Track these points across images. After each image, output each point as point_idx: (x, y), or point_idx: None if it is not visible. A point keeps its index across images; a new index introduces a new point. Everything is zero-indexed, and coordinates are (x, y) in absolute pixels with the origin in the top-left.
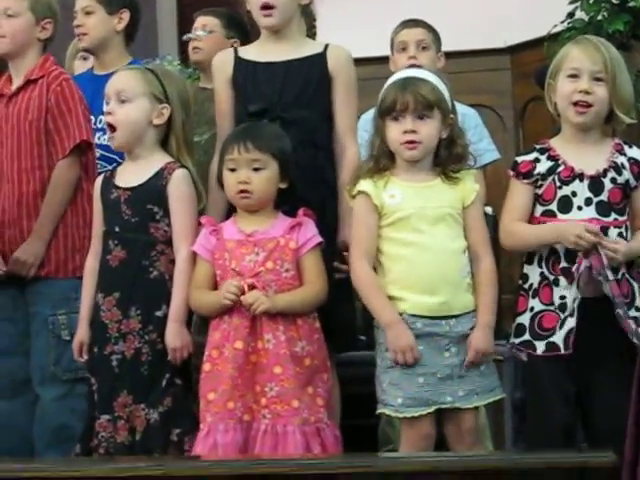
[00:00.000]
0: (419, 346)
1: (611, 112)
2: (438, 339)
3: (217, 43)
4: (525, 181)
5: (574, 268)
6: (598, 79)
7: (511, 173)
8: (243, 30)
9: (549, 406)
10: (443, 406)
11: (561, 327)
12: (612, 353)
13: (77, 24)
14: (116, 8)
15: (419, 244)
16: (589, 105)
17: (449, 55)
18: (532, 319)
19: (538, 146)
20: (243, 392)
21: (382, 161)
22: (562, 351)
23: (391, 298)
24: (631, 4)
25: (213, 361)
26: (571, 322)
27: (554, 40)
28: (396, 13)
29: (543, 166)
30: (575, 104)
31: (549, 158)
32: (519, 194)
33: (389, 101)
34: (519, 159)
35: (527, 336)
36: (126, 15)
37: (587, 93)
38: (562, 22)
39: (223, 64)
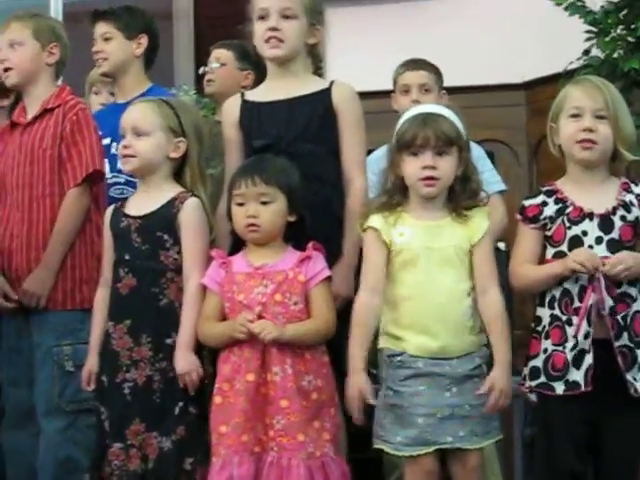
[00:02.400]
0: (420, 386)
1: (615, 150)
2: (439, 379)
3: (230, 75)
4: (532, 225)
5: (583, 301)
6: (600, 117)
7: (519, 217)
8: (256, 62)
9: (558, 452)
10: (443, 446)
11: (578, 366)
12: (625, 395)
13: (96, 50)
14: (135, 33)
15: (422, 286)
16: (594, 142)
17: (465, 90)
18: (546, 361)
19: (544, 189)
20: (254, 424)
21: (395, 197)
22: (582, 388)
23: (392, 336)
24: None
25: (224, 394)
26: (589, 359)
27: (570, 77)
28: (410, 47)
29: (551, 209)
30: (579, 142)
31: (557, 201)
32: (527, 239)
33: (409, 136)
34: (526, 203)
35: (543, 378)
36: (144, 40)
37: (591, 131)
38: (578, 59)
39: (230, 108)
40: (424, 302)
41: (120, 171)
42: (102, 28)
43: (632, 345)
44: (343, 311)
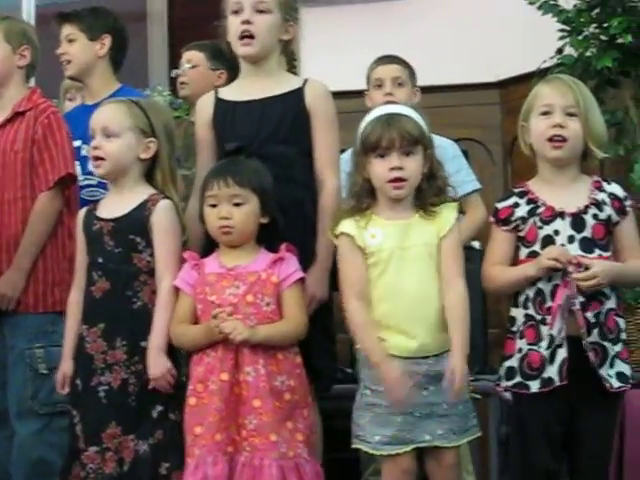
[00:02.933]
0: None
1: (586, 149)
2: (417, 378)
3: (202, 77)
4: (504, 228)
5: (556, 297)
6: (571, 114)
7: (492, 219)
8: (229, 61)
9: (532, 451)
10: (421, 445)
11: (552, 361)
12: (596, 392)
13: (60, 52)
14: (97, 34)
15: (397, 286)
16: (564, 139)
17: (439, 89)
18: (521, 360)
19: (516, 190)
20: (228, 424)
21: (364, 200)
22: (557, 383)
23: None
24: (620, 41)
25: (198, 395)
26: (562, 353)
27: (543, 76)
28: (384, 46)
29: (522, 210)
30: (550, 140)
31: (528, 201)
32: (499, 241)
33: (374, 138)
34: (499, 205)
35: (518, 378)
36: (108, 40)
37: (561, 127)
38: (551, 58)
39: (204, 106)
40: (399, 302)
41: (91, 173)
42: (66, 30)
43: (604, 342)
44: (316, 313)
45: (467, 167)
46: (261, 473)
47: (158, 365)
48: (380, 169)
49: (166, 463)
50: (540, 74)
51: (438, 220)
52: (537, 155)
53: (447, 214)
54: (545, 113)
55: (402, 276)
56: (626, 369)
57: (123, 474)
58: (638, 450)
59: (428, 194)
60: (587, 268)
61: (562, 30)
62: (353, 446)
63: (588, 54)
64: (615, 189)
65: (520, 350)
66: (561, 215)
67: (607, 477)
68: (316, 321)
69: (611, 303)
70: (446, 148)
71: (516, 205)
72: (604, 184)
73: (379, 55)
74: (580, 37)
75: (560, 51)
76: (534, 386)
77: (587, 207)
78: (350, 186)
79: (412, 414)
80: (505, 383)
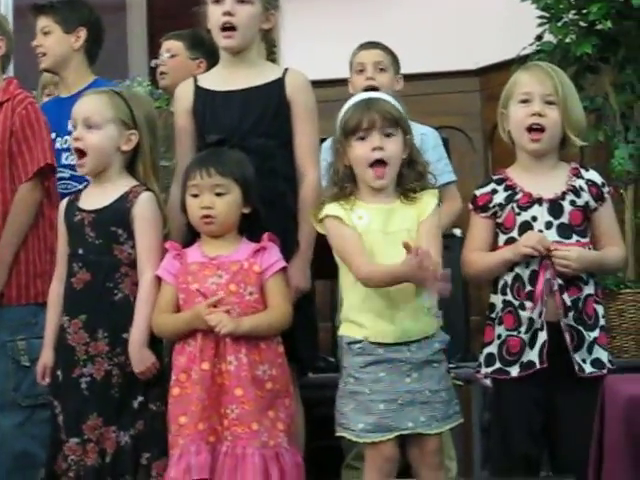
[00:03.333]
0: (380, 372)
1: (564, 136)
2: (399, 365)
3: (182, 66)
4: (483, 214)
5: (537, 283)
6: (550, 102)
7: (470, 207)
8: (208, 49)
9: (512, 438)
10: (404, 432)
11: (532, 345)
12: (575, 377)
13: (36, 44)
14: (72, 27)
15: None
16: (542, 129)
17: (418, 76)
18: (500, 346)
19: (495, 177)
20: (210, 413)
21: (346, 186)
22: (538, 366)
23: (352, 323)
24: (599, 27)
25: (181, 385)
26: (543, 336)
27: (523, 62)
28: (364, 34)
29: (500, 196)
30: (529, 130)
31: (506, 188)
32: (478, 227)
33: (354, 121)
34: (477, 192)
35: (498, 364)
36: (83, 33)
37: (540, 116)
38: (531, 45)
39: (183, 94)
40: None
41: (65, 166)
42: (42, 22)
43: (579, 327)
44: (298, 301)
45: (446, 157)
46: (244, 462)
47: (142, 360)
48: (361, 151)
49: (147, 453)
50: (520, 61)
51: (419, 205)
52: (516, 143)
53: (428, 199)
54: (524, 101)
55: (384, 260)
56: (604, 356)
57: (105, 465)
58: (618, 435)
59: (409, 179)
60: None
61: (541, 17)
62: (337, 434)
63: (567, 41)
64: (593, 176)
65: (499, 336)
66: (539, 201)
67: (587, 462)
68: (298, 310)
69: (589, 289)
70: (428, 136)
71: (494, 192)
72: (582, 171)
73: (359, 43)
74: (559, 24)
75: (539, 38)
76: (514, 371)
77: (565, 193)
78: (331, 174)
79: (395, 401)
80: (485, 370)
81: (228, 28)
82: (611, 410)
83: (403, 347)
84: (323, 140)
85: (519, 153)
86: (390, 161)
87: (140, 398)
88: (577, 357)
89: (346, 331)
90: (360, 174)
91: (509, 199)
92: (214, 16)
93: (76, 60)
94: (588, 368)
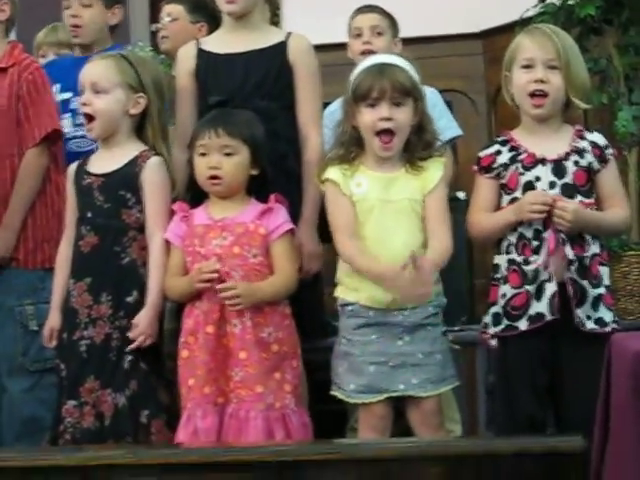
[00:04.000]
0: (372, 335)
1: (568, 100)
2: (391, 328)
3: (182, 30)
4: (487, 175)
5: (549, 242)
6: (552, 67)
7: (475, 168)
8: (209, 13)
9: (517, 399)
10: (394, 394)
11: (539, 297)
12: (580, 335)
13: (73, 14)
14: (111, 2)
15: (378, 238)
16: (545, 95)
17: (421, 40)
18: (506, 305)
19: (500, 138)
20: (216, 376)
21: (351, 149)
22: (548, 317)
23: (347, 286)
24: None
25: (190, 347)
26: (551, 287)
27: (526, 25)
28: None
29: (505, 157)
30: (532, 95)
31: (510, 149)
32: (483, 189)
33: (365, 87)
34: (481, 154)
35: (505, 321)
36: (119, 11)
37: (542, 82)
38: (534, 7)
39: (185, 56)
40: (378, 254)
41: (80, 125)
42: None
43: (585, 283)
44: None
45: (449, 113)
46: (247, 425)
47: (147, 325)
48: (369, 119)
49: (145, 411)
50: (523, 23)
51: (424, 175)
52: (519, 107)
53: (434, 170)
54: (527, 66)
55: (383, 228)
56: (608, 315)
57: (105, 429)
58: (624, 393)
59: (417, 147)
60: None
61: None
62: (331, 392)
63: (571, 2)
64: (596, 137)
65: (504, 295)
66: (542, 162)
67: (593, 420)
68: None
69: (595, 249)
70: (427, 95)
71: (498, 153)
72: (586, 133)
73: (359, 6)
74: None
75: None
76: (522, 325)
77: (568, 154)
78: (338, 135)
79: (386, 364)
80: (493, 329)
81: None
82: (618, 366)
83: (395, 311)
84: (326, 105)
85: (523, 116)
86: (398, 131)
87: (130, 357)
88: (580, 312)
89: (340, 293)
90: (367, 140)
91: (513, 159)
92: None
93: (105, 34)
94: (590, 324)
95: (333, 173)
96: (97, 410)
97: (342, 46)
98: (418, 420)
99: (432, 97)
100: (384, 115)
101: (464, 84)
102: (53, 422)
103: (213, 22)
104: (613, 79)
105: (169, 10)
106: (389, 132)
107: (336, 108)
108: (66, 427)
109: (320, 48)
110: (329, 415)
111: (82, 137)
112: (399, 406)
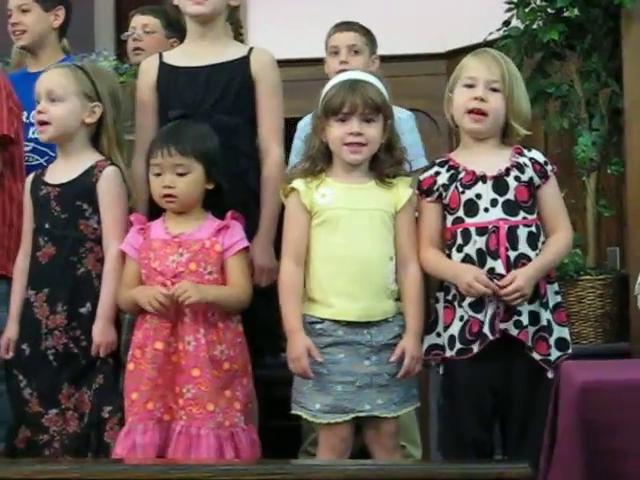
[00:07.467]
0: (339, 354)
1: (508, 125)
2: (359, 347)
3: (159, 44)
4: (429, 199)
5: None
6: (494, 89)
7: (417, 192)
8: (182, 29)
9: (461, 420)
10: (361, 414)
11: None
12: (528, 363)
13: (14, 22)
14: (51, 5)
15: (346, 247)
16: (484, 114)
17: (386, 59)
18: (463, 328)
19: (438, 160)
20: (163, 392)
21: (319, 163)
22: (490, 337)
23: (315, 301)
24: (566, 14)
25: (137, 361)
26: (492, 307)
27: (490, 47)
28: (335, 14)
29: (444, 177)
30: (470, 112)
31: (449, 169)
32: (427, 214)
33: (337, 102)
34: (421, 177)
35: (458, 345)
36: (61, 12)
37: (482, 101)
38: (498, 30)
39: (147, 69)
40: (347, 263)
41: (30, 139)
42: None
43: (535, 306)
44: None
45: (420, 142)
46: (198, 442)
47: (102, 335)
48: (339, 132)
49: (108, 406)
50: (487, 45)
51: (394, 191)
52: (458, 125)
53: (403, 188)
54: (469, 86)
55: (352, 238)
56: (565, 333)
57: (83, 428)
58: (570, 421)
59: (385, 164)
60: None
61: (509, 2)
62: (292, 412)
63: (535, 27)
64: (535, 154)
65: (462, 318)
66: (482, 179)
67: (539, 448)
68: (259, 291)
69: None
70: (404, 119)
71: (437, 174)
72: (525, 150)
73: (328, 26)
74: (527, 9)
75: (507, 23)
76: (476, 347)
77: (508, 169)
78: (306, 149)
79: (352, 383)
80: (449, 352)
81: None
82: (566, 395)
83: (363, 329)
84: (298, 119)
85: (462, 136)
86: (368, 144)
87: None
88: (530, 334)
89: (308, 310)
90: (335, 151)
91: (452, 179)
92: None
93: (51, 38)
94: (537, 355)
95: (296, 183)
96: (79, 412)
97: (319, 61)
98: (376, 441)
99: (408, 122)
100: (355, 130)
101: (427, 103)
102: (11, 432)
103: (184, 39)
104: (574, 104)
105: (145, 21)
106: (358, 144)
107: (308, 122)
108: (52, 436)
109: (297, 62)
110: (282, 432)
111: (28, 152)
112: (357, 424)
